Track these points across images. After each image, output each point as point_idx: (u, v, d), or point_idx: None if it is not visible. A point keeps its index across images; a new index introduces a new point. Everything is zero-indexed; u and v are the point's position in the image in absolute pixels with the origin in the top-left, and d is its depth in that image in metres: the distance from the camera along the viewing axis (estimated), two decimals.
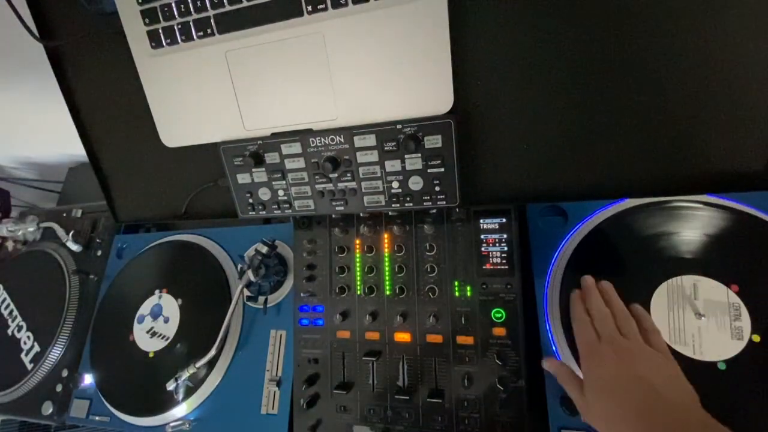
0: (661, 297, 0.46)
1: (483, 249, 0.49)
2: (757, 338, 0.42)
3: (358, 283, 0.53)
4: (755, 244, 0.45)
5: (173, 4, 0.46)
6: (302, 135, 0.47)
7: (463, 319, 0.48)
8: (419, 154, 0.44)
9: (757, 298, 0.43)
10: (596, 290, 0.45)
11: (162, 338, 0.63)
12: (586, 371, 0.40)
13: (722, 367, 0.42)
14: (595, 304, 0.43)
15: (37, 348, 0.72)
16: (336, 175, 0.47)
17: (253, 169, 0.50)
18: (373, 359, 0.50)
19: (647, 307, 0.45)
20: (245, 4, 0.44)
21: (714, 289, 0.45)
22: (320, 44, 0.44)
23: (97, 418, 0.64)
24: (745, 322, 0.43)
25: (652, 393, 0.35)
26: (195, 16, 0.46)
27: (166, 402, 0.58)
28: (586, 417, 0.40)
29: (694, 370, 0.41)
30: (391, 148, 0.44)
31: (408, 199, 0.47)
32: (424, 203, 0.46)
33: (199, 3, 0.45)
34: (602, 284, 0.46)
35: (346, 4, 0.41)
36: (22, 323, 0.76)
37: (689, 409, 0.34)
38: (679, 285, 0.46)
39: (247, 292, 0.58)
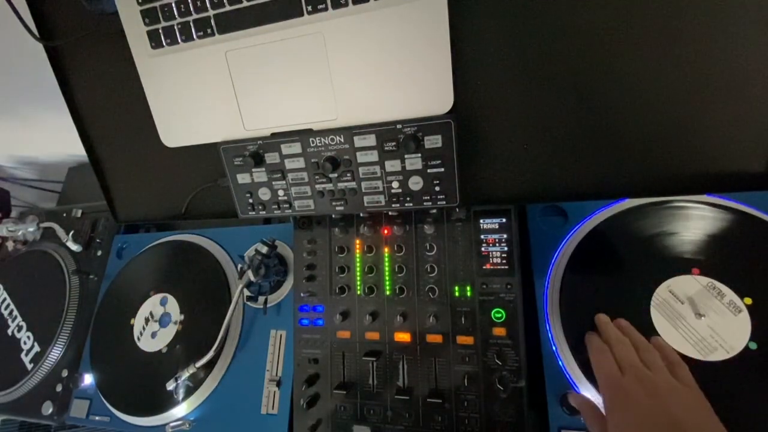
0: (661, 322, 0.45)
1: (483, 249, 0.49)
2: (748, 300, 0.43)
3: (358, 283, 0.53)
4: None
5: (173, 4, 0.46)
6: (302, 135, 0.47)
7: (463, 319, 0.48)
8: (419, 154, 0.44)
9: (719, 268, 0.45)
10: (612, 324, 0.43)
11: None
12: (611, 411, 0.37)
13: (754, 347, 0.42)
14: (613, 333, 0.41)
15: (37, 348, 0.72)
16: (336, 175, 0.47)
17: (253, 169, 0.50)
18: (373, 359, 0.50)
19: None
20: (245, 4, 0.44)
21: (686, 283, 0.45)
22: (320, 44, 0.44)
23: (97, 418, 0.64)
24: (729, 294, 0.44)
25: None
26: (195, 16, 0.46)
27: (166, 402, 0.58)
28: None
29: (739, 366, 0.41)
30: (391, 148, 0.44)
31: (408, 199, 0.47)
32: (424, 203, 0.46)
33: (199, 3, 0.45)
34: (618, 321, 0.44)
35: (346, 4, 0.41)
36: (22, 323, 0.76)
37: None
38: (663, 300, 0.45)
39: (247, 292, 0.58)
